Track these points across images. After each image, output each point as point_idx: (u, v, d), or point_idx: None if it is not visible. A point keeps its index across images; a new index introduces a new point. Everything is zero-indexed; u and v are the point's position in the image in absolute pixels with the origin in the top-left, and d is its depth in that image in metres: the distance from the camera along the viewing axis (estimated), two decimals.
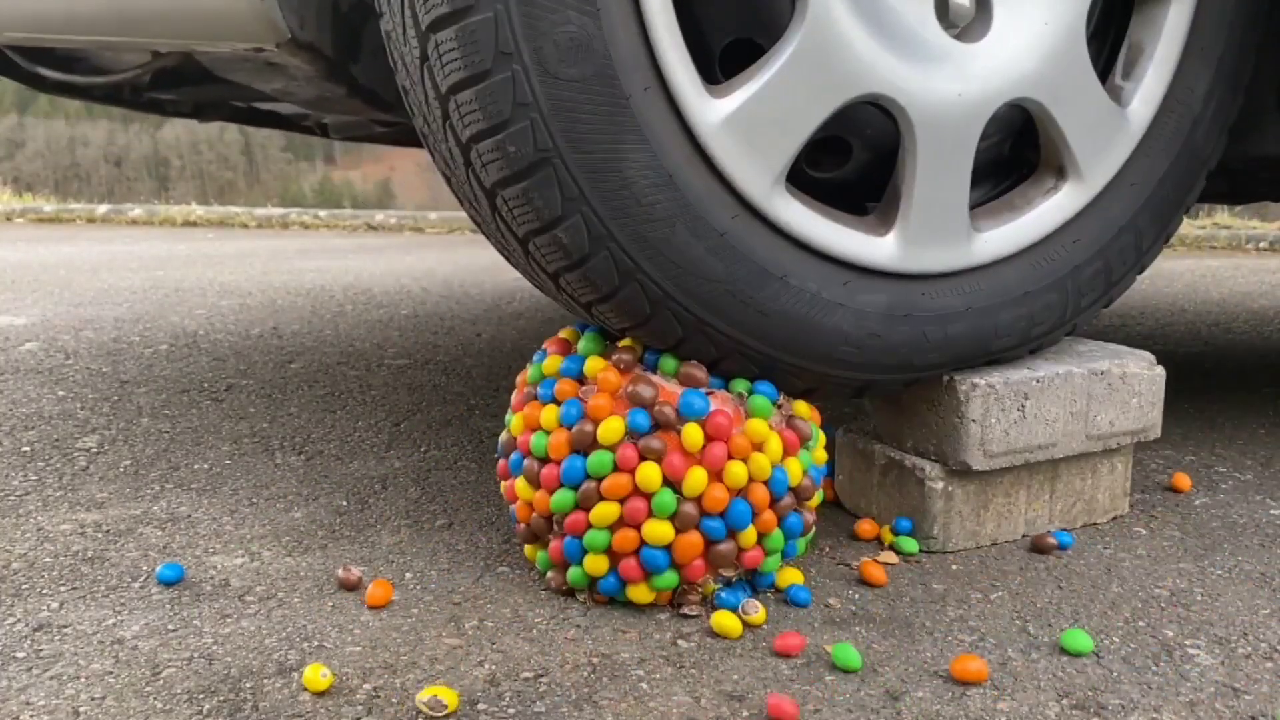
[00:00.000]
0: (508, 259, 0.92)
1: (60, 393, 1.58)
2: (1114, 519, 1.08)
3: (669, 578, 0.84)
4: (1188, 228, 4.53)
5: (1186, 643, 0.82)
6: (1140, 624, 0.85)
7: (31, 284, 2.88)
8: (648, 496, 0.82)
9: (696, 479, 0.82)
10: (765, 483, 0.85)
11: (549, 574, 0.89)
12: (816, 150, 0.93)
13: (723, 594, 0.86)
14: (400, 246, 4.32)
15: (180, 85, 1.40)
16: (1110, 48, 1.03)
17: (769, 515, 0.85)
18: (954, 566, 0.96)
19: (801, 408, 0.91)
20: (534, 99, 0.77)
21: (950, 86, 0.90)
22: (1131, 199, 1.01)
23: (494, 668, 0.77)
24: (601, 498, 0.83)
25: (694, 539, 0.83)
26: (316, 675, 0.73)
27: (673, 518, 0.83)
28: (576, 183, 0.79)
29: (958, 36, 0.92)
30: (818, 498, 0.91)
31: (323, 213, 5.87)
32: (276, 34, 0.95)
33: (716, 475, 0.83)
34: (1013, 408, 0.96)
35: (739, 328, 0.86)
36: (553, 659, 0.78)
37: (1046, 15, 0.93)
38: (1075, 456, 1.03)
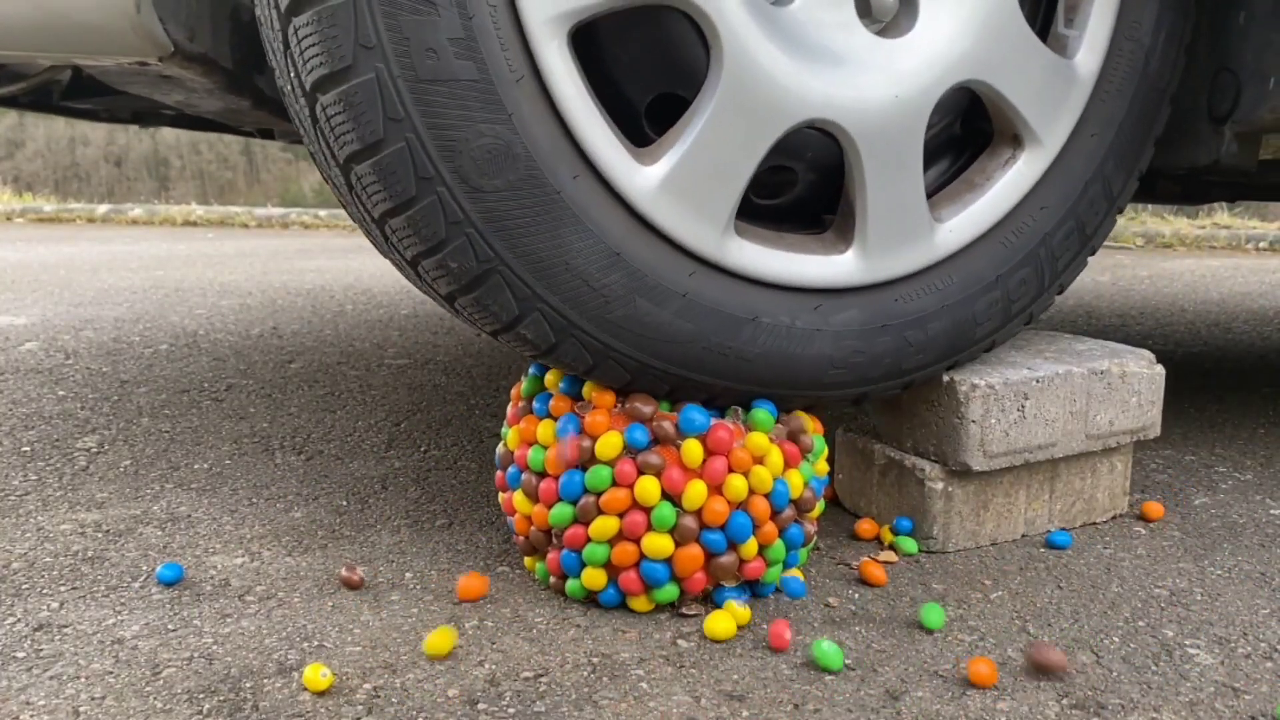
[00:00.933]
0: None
1: (60, 392, 1.58)
2: (1114, 518, 1.08)
3: (670, 590, 0.84)
4: (1187, 228, 4.53)
5: (1186, 642, 0.82)
6: (1140, 623, 0.85)
7: (31, 284, 2.88)
8: (646, 510, 0.82)
9: (696, 492, 0.82)
10: (766, 496, 0.84)
11: (551, 581, 0.89)
12: (761, 179, 0.91)
13: (725, 591, 0.86)
14: None
15: (92, 95, 1.36)
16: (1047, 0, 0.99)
17: (770, 527, 0.85)
18: (954, 566, 0.96)
19: (805, 420, 0.91)
20: (464, 215, 0.76)
21: (885, 91, 0.87)
22: (1094, 150, 0.98)
23: (494, 667, 0.77)
24: (600, 512, 0.83)
25: (694, 552, 0.83)
26: (316, 675, 0.73)
27: (672, 531, 0.82)
28: (526, 284, 0.79)
29: (883, 33, 0.89)
30: (819, 508, 0.91)
31: (323, 213, 5.87)
32: (158, 47, 0.92)
33: (717, 489, 0.83)
34: (1012, 408, 0.96)
35: (725, 377, 0.86)
36: (553, 659, 0.78)
37: (981, 24, 0.89)
38: (1075, 456, 1.03)
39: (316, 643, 0.80)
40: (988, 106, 0.95)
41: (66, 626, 0.83)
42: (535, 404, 0.89)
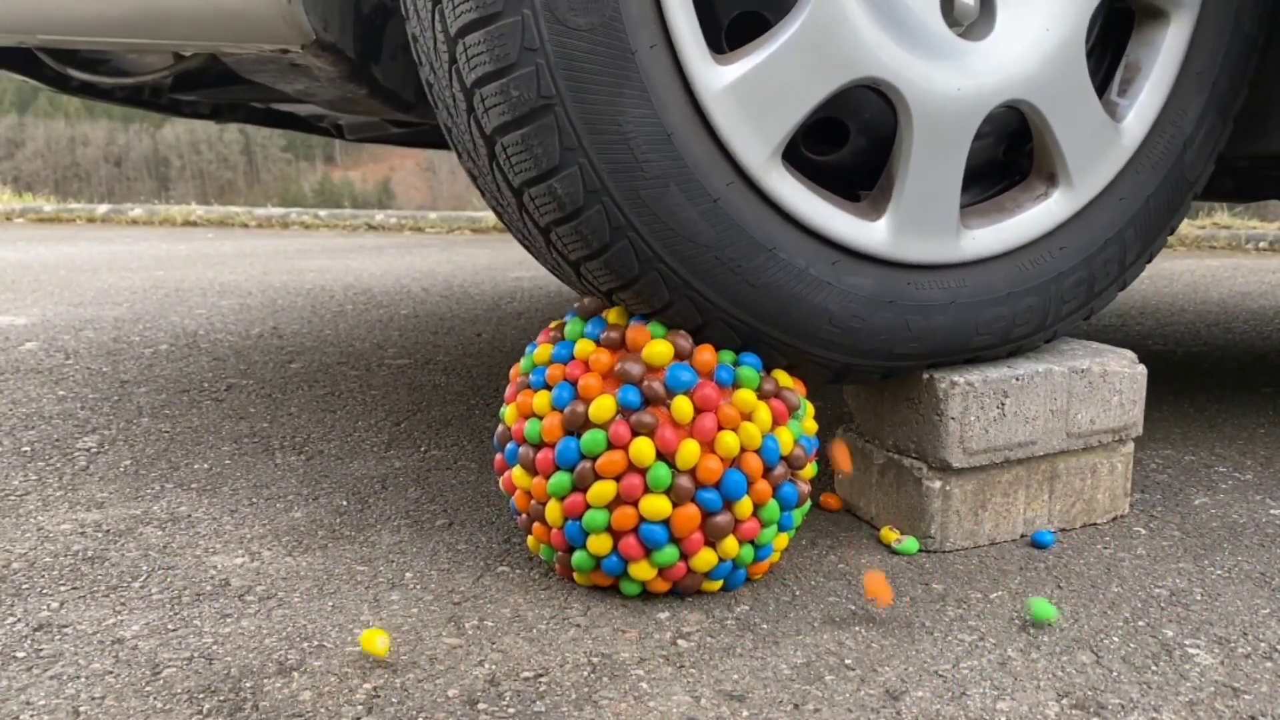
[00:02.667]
0: (499, 214, 0.93)
1: (60, 392, 1.58)
2: (1114, 519, 1.08)
3: (669, 553, 0.84)
4: (1188, 228, 4.53)
5: (1186, 642, 0.82)
6: (1140, 623, 0.85)
7: (31, 284, 2.88)
8: (643, 472, 0.83)
9: (689, 451, 0.83)
10: (757, 452, 0.85)
11: (555, 559, 0.89)
12: (814, 134, 0.94)
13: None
14: (400, 246, 4.32)
15: (202, 87, 1.42)
16: (1109, 65, 1.04)
17: (763, 485, 0.86)
18: (954, 566, 0.96)
19: (784, 378, 0.91)
20: (541, 44, 0.77)
21: (950, 80, 0.91)
22: (1119, 213, 1.02)
23: (494, 667, 0.77)
24: (597, 476, 0.83)
25: (691, 512, 0.84)
26: (375, 640, 0.74)
27: (668, 491, 0.83)
28: (576, 132, 0.79)
29: (961, 34, 0.93)
30: (811, 468, 0.92)
31: (323, 213, 5.87)
32: (302, 35, 0.97)
33: (709, 446, 0.84)
34: (992, 405, 0.97)
35: (725, 296, 0.87)
36: (553, 659, 0.78)
37: (1048, 22, 0.94)
38: (1073, 457, 1.03)
39: (316, 642, 0.80)
40: (1033, 134, 0.98)
41: (66, 626, 0.83)
42: (532, 376, 0.90)
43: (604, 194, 0.81)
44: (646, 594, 0.89)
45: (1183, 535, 1.05)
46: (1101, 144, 0.99)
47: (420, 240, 4.79)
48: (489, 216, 5.78)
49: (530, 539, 0.92)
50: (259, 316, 2.36)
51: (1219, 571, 0.96)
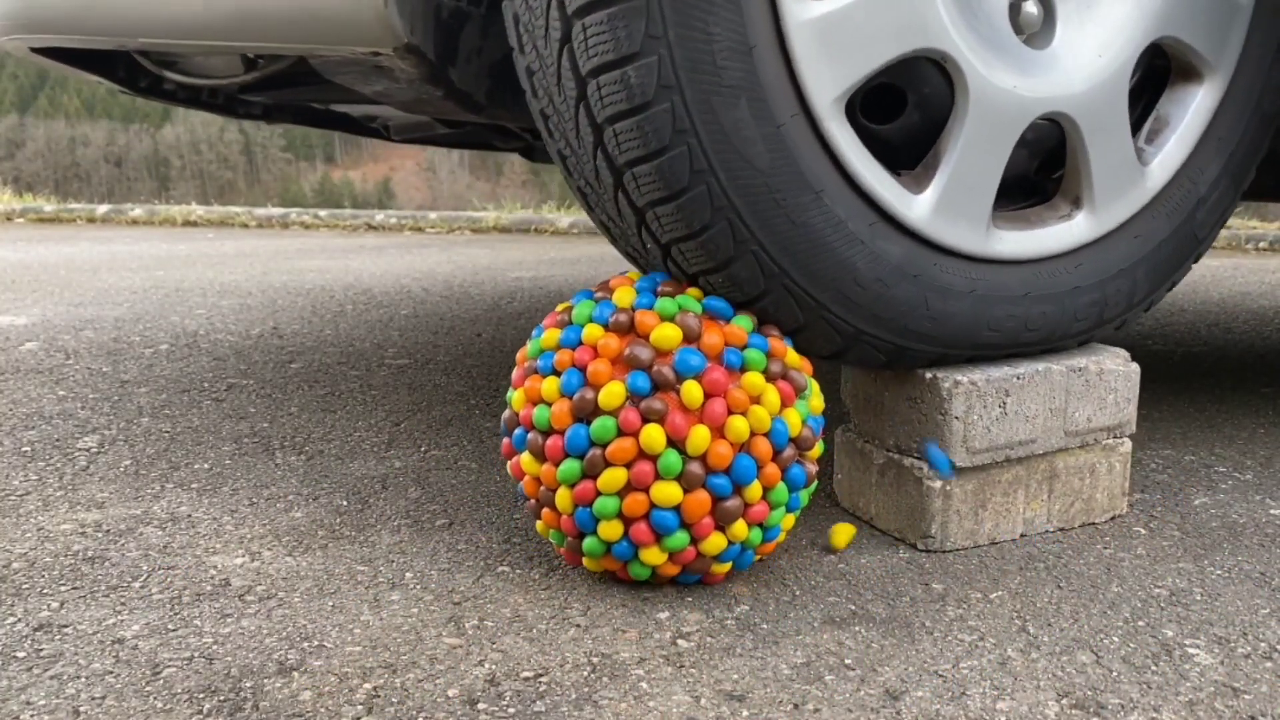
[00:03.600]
0: (553, 127, 0.94)
1: (60, 392, 1.58)
2: (1113, 519, 1.08)
3: (680, 538, 0.85)
4: None
5: (1186, 642, 0.82)
6: (1140, 623, 0.85)
7: (31, 284, 2.88)
8: (653, 459, 0.83)
9: (700, 437, 0.83)
10: (766, 435, 0.85)
11: (565, 544, 0.90)
12: (871, 104, 0.96)
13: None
14: (400, 246, 4.32)
15: (274, 88, 1.46)
16: (1141, 112, 1.09)
17: (772, 468, 0.86)
18: (953, 566, 0.96)
19: (793, 358, 0.91)
20: None
21: (1008, 77, 0.95)
22: (1133, 250, 1.07)
23: (494, 667, 0.77)
24: (608, 464, 0.83)
25: (702, 497, 0.84)
26: (844, 535, 0.85)
27: (679, 478, 0.83)
28: (664, 19, 0.81)
29: (1024, 40, 0.98)
30: (818, 448, 0.92)
31: (323, 212, 5.87)
32: (394, 38, 1.01)
33: (718, 431, 0.84)
34: (994, 404, 0.97)
35: (764, 227, 0.87)
36: (553, 659, 0.78)
37: (1100, 49, 0.99)
38: (1071, 456, 1.03)
39: (317, 642, 0.80)
40: (1067, 153, 1.02)
41: (67, 626, 0.83)
42: (539, 362, 0.90)
43: (675, 92, 0.83)
44: (646, 596, 0.89)
45: (1182, 535, 1.05)
46: (1126, 178, 1.03)
47: (420, 240, 4.79)
48: (489, 216, 5.78)
49: (539, 524, 0.92)
50: (259, 316, 2.36)
51: (1219, 571, 0.96)
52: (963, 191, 0.95)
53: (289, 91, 1.47)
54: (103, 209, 6.00)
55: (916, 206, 0.94)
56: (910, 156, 0.97)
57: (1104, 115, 1.00)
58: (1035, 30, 0.99)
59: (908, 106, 0.97)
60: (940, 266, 0.96)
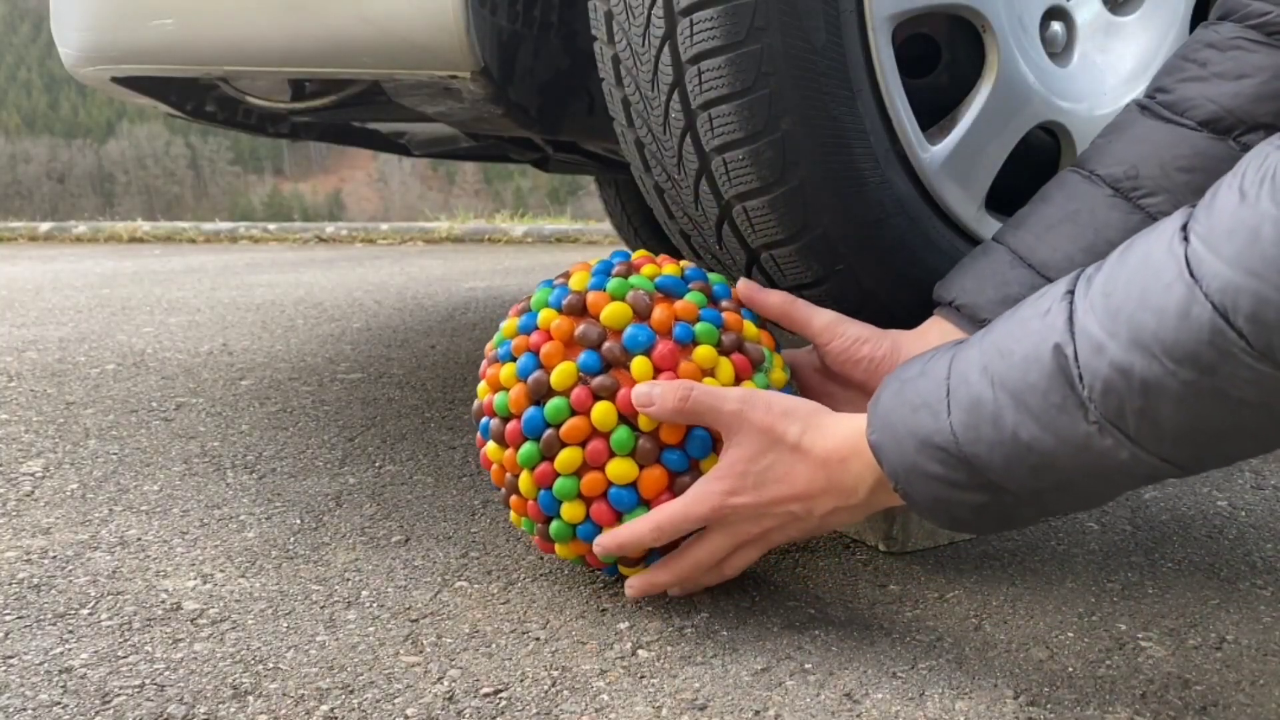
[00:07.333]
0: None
1: (3, 416, 1.55)
2: (1067, 515, 1.09)
3: (640, 515, 0.84)
4: None
5: (1139, 635, 0.84)
6: (1093, 618, 0.87)
7: None
8: (606, 436, 0.83)
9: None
10: None
11: (535, 532, 0.89)
12: (904, 57, 1.00)
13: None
14: (352, 259, 4.28)
15: (341, 109, 1.47)
16: None
17: None
18: (911, 567, 0.97)
19: (750, 331, 0.91)
20: None
21: (1030, 72, 1.01)
22: None
23: (453, 684, 0.76)
24: (563, 444, 0.83)
25: (657, 473, 0.84)
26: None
27: (633, 454, 0.83)
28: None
29: (1048, 54, 1.06)
30: None
31: (272, 226, 5.80)
32: (474, 62, 1.03)
33: None
34: None
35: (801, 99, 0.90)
36: (512, 674, 0.78)
37: (1109, 83, 1.08)
38: None
39: (272, 665, 0.79)
40: (1060, 165, 1.07)
41: (12, 657, 0.81)
42: (499, 350, 0.90)
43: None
44: (605, 607, 0.88)
45: (1133, 529, 1.06)
46: None
47: (372, 252, 4.75)
48: (441, 227, 5.74)
49: (512, 514, 0.92)
50: (208, 333, 2.32)
51: (1169, 564, 0.98)
52: (969, 159, 0.99)
53: (344, 112, 1.49)
54: (45, 227, 5.89)
55: (930, 154, 0.97)
56: (929, 120, 1.01)
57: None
58: (1058, 50, 1.07)
59: (939, 65, 1.01)
60: (934, 229, 0.98)
